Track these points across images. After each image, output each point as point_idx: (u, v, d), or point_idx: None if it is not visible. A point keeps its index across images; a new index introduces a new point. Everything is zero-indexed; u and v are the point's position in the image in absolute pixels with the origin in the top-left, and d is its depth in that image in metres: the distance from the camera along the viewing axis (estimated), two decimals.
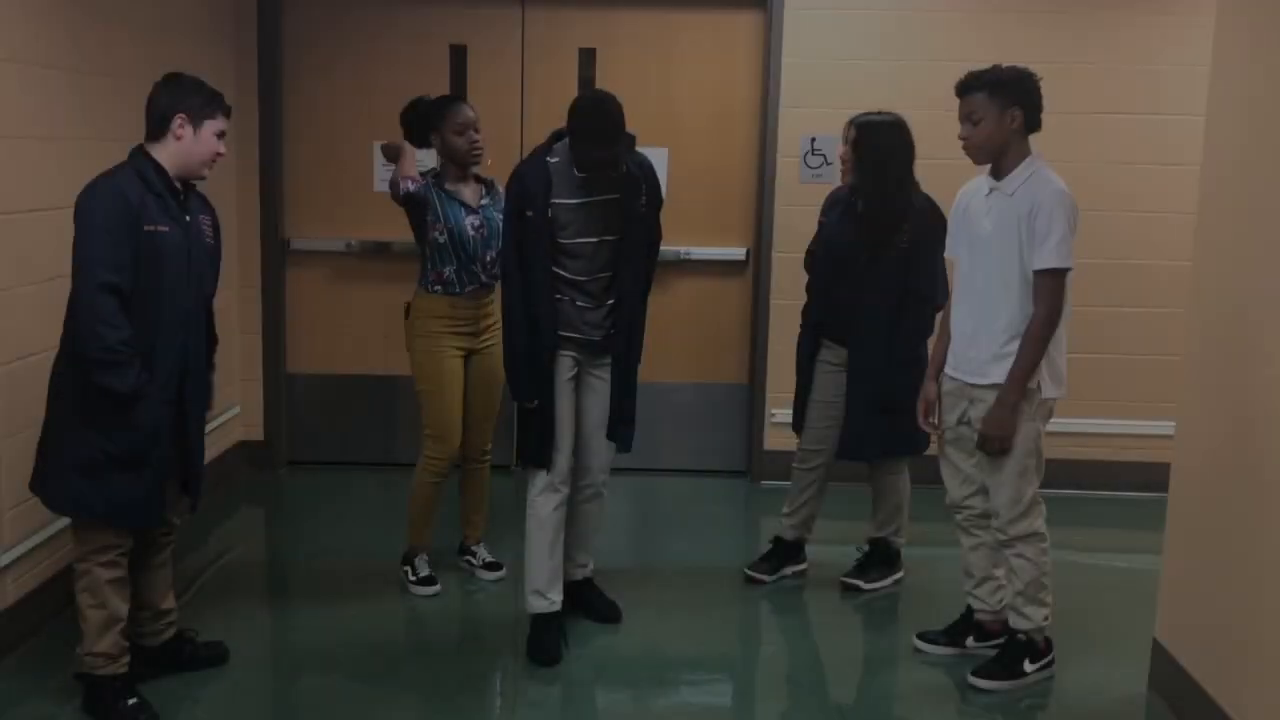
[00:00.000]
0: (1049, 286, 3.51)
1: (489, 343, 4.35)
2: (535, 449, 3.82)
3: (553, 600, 3.90)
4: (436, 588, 4.36)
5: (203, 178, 3.42)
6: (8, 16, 3.64)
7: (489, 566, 4.54)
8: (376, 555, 4.69)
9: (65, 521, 3.97)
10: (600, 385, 3.92)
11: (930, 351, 3.97)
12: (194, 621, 3.96)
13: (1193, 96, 5.23)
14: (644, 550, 5.10)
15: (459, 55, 5.73)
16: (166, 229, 3.26)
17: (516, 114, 5.74)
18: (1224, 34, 3.54)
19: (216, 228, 3.57)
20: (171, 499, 3.45)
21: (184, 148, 3.32)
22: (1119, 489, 5.74)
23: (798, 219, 5.53)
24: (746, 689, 3.85)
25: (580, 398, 3.93)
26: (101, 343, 3.12)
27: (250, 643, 3.79)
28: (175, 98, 3.32)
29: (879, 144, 4.18)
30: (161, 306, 3.26)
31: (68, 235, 3.21)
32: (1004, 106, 3.53)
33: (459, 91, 5.59)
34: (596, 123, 3.66)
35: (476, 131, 4.25)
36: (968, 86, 3.59)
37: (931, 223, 4.14)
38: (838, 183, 4.85)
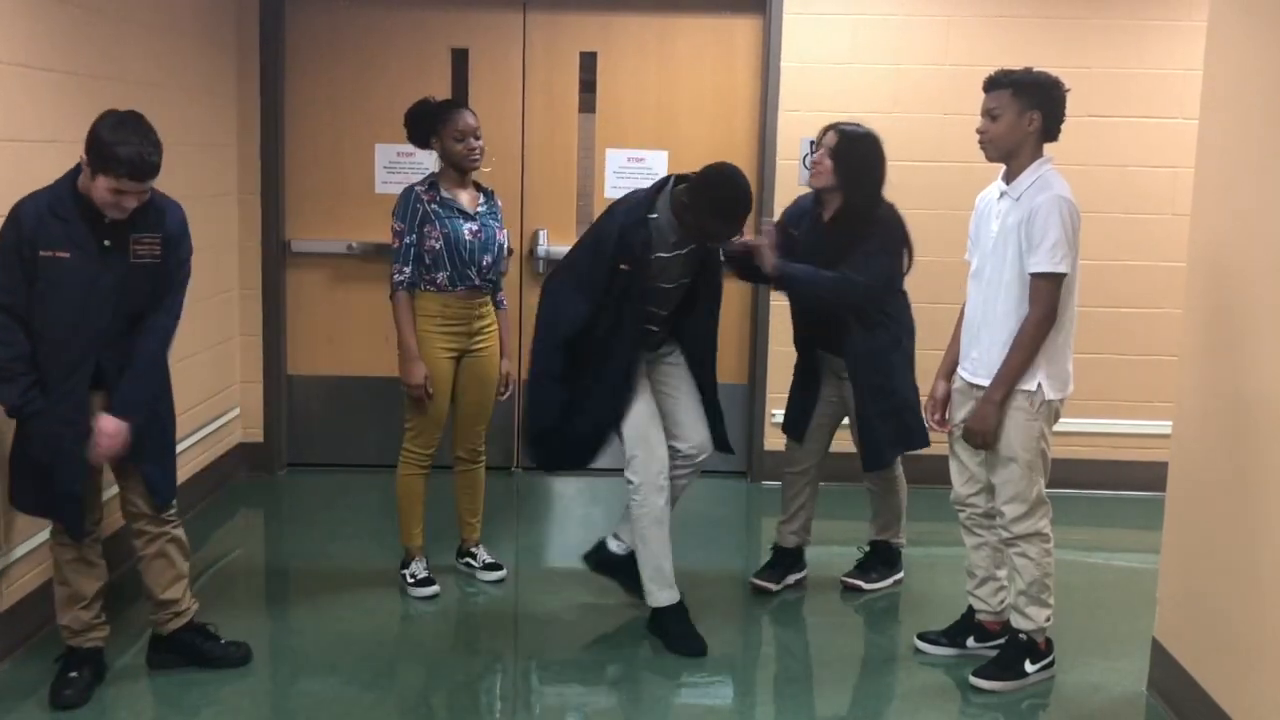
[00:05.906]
0: (1043, 290, 3.53)
1: (483, 344, 4.34)
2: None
3: (675, 590, 4.00)
4: (435, 589, 4.36)
5: (110, 218, 3.26)
6: (9, 19, 3.64)
7: (489, 568, 4.54)
8: (375, 558, 4.69)
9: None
10: (671, 369, 4.09)
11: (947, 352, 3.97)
12: None
13: (1191, 99, 5.24)
14: None
15: (460, 58, 5.75)
16: (66, 255, 3.23)
17: (518, 117, 5.75)
18: (1216, 35, 3.55)
19: (170, 242, 3.40)
20: (94, 506, 3.52)
21: (88, 185, 3.23)
22: (1118, 488, 5.75)
23: None
24: (747, 689, 3.85)
25: (660, 386, 4.07)
26: None
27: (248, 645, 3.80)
28: (91, 138, 3.19)
29: (861, 159, 4.12)
30: (61, 328, 3.27)
31: None
32: (1025, 108, 3.56)
33: (460, 95, 5.61)
34: (741, 205, 3.80)
35: (477, 138, 4.23)
36: (995, 82, 3.61)
37: (896, 233, 4.15)
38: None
